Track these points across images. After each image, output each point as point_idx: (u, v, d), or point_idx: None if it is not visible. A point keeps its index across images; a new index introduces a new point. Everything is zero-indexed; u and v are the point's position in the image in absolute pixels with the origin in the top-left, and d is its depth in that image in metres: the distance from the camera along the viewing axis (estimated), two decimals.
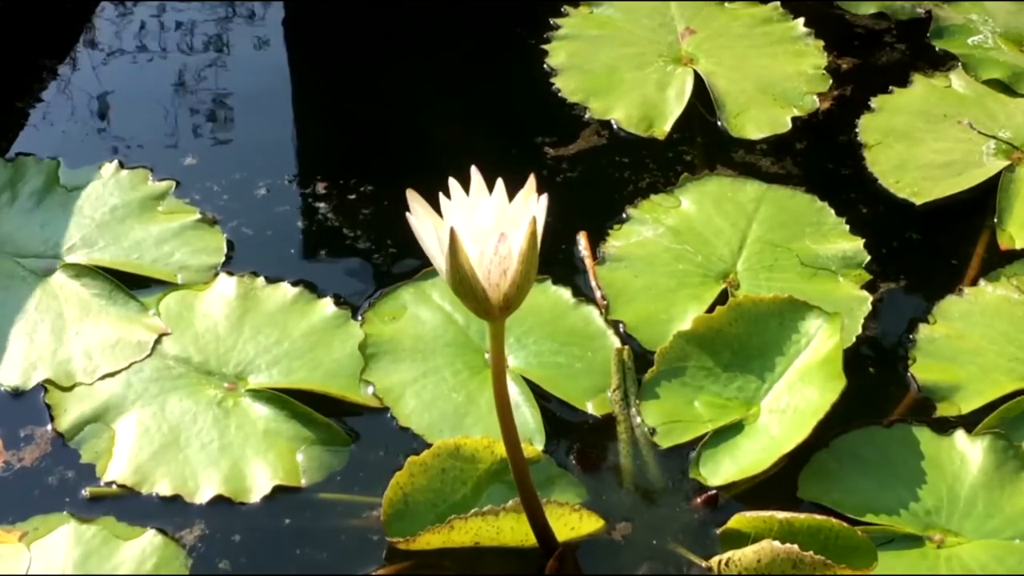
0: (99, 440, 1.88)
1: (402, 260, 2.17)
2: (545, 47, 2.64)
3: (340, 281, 2.14)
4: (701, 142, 2.45)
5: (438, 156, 2.39)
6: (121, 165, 2.29)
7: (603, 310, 2.08)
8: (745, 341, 1.96)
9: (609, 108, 2.50)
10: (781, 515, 1.70)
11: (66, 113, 2.52)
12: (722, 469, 1.86)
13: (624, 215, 2.25)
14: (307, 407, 1.92)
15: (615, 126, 2.46)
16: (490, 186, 1.53)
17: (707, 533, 1.80)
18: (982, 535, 1.78)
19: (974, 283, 2.14)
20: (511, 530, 1.70)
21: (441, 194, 1.52)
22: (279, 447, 1.88)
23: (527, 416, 1.92)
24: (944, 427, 1.91)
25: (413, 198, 1.52)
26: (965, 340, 2.04)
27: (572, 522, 1.74)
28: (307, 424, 1.91)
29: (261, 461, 1.86)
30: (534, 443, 1.88)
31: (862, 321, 2.06)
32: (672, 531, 1.82)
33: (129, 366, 1.97)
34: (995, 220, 2.27)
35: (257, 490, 1.84)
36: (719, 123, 2.47)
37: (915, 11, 2.77)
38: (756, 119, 2.49)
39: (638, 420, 1.93)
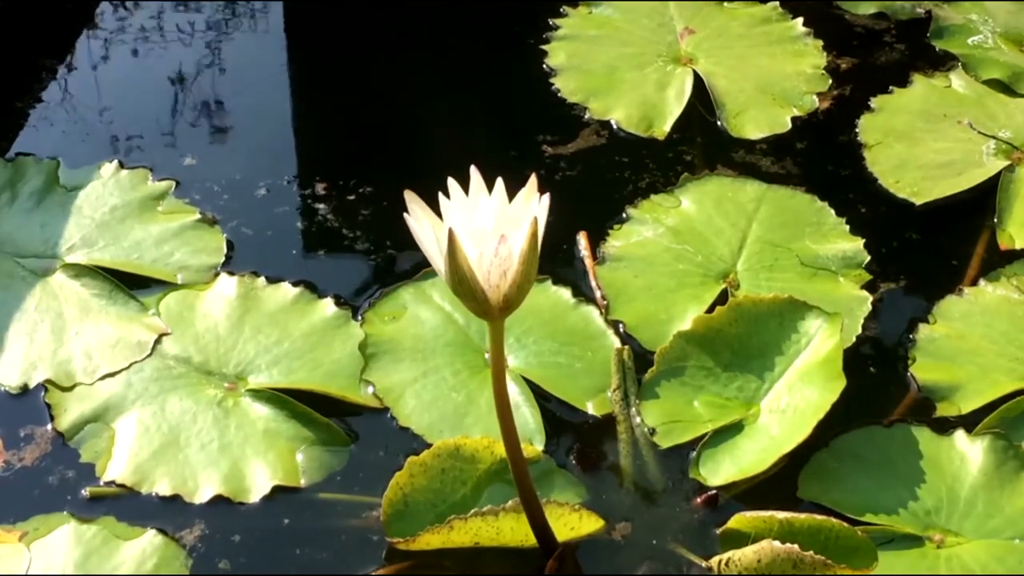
0: (99, 440, 1.88)
1: (402, 260, 2.17)
2: (544, 47, 2.64)
3: (340, 281, 2.14)
4: (701, 142, 2.45)
5: (438, 156, 2.39)
6: (121, 165, 2.29)
7: (603, 310, 2.08)
8: (745, 341, 1.96)
9: (609, 108, 2.50)
10: (781, 515, 1.70)
11: (66, 113, 2.52)
12: (722, 469, 1.86)
13: (624, 215, 2.25)
14: (307, 407, 1.92)
15: (615, 126, 2.46)
16: (490, 186, 1.53)
17: (707, 533, 1.80)
18: (982, 535, 1.78)
19: (974, 283, 2.14)
20: (511, 530, 1.70)
21: (440, 194, 1.52)
22: (279, 447, 1.88)
23: (527, 416, 1.92)
24: (944, 427, 1.91)
25: (411, 199, 1.52)
26: (965, 340, 2.04)
27: (572, 522, 1.74)
28: (307, 424, 1.91)
29: (261, 461, 1.86)
30: (534, 443, 1.88)
31: (862, 321, 2.06)
32: (672, 531, 1.82)
33: (129, 366, 1.97)
34: (995, 220, 2.27)
35: (256, 490, 1.84)
36: (719, 123, 2.47)
37: (915, 11, 2.77)
38: (756, 119, 2.49)
39: (638, 420, 1.93)
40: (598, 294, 2.11)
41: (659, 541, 1.81)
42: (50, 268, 2.09)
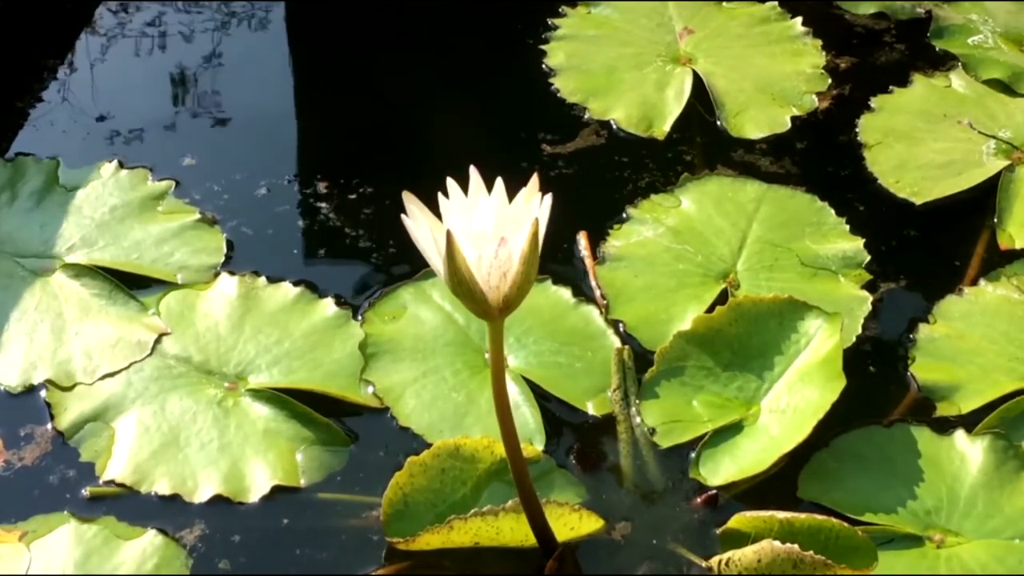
0: (99, 439, 1.88)
1: (402, 260, 2.17)
2: (544, 47, 2.64)
3: (340, 281, 2.14)
4: (700, 142, 2.45)
5: (437, 156, 2.39)
6: (121, 165, 2.29)
7: (603, 310, 2.08)
8: (745, 341, 1.96)
9: (608, 108, 2.50)
10: (781, 515, 1.70)
11: (66, 113, 2.52)
12: (722, 469, 1.86)
13: (624, 215, 2.25)
14: (307, 407, 1.92)
15: (614, 126, 2.46)
16: (489, 187, 1.53)
17: (707, 533, 1.80)
18: (982, 535, 1.78)
19: (974, 283, 2.15)
20: (511, 530, 1.70)
21: (440, 195, 1.52)
22: (279, 447, 1.88)
23: (527, 416, 1.92)
24: (944, 427, 1.91)
25: (409, 200, 1.52)
26: (965, 340, 2.04)
27: (572, 522, 1.73)
28: (307, 424, 1.91)
29: (260, 461, 1.86)
30: (534, 443, 1.88)
31: (862, 321, 2.06)
32: (672, 531, 1.82)
33: (129, 366, 1.97)
34: (995, 220, 2.27)
35: (256, 490, 1.84)
36: (718, 123, 2.47)
37: (915, 11, 2.77)
38: (755, 119, 2.49)
39: (638, 420, 1.92)
40: (598, 294, 2.11)
41: (659, 541, 1.81)
42: (50, 268, 2.09)
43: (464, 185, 1.53)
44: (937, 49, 2.66)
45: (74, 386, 1.94)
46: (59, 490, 1.83)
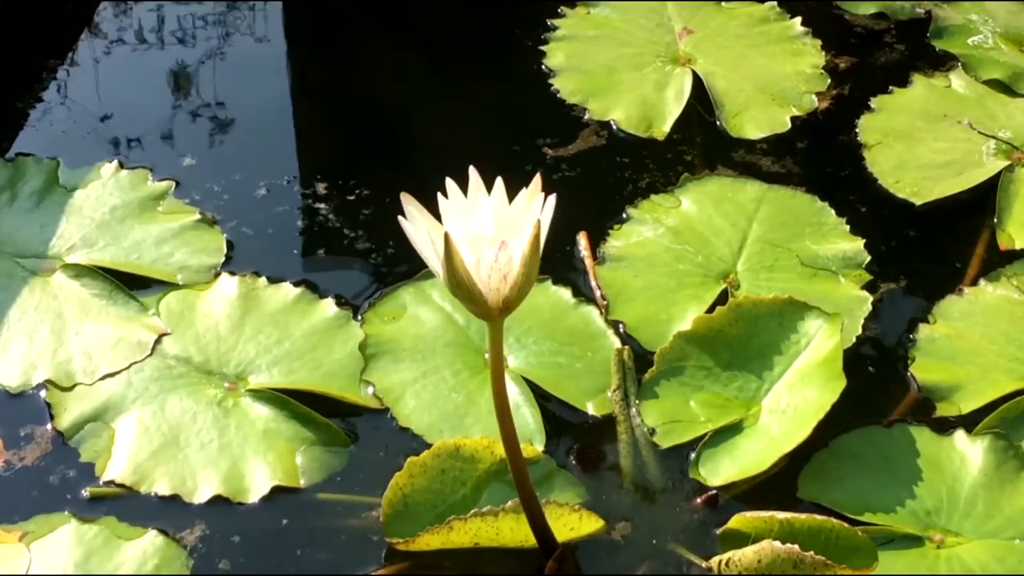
0: (99, 439, 1.88)
1: (402, 260, 2.17)
2: (543, 48, 2.64)
3: (340, 281, 2.14)
4: (700, 142, 2.45)
5: (437, 157, 2.38)
6: (121, 165, 2.29)
7: (603, 310, 2.08)
8: (745, 341, 1.96)
9: (608, 109, 2.50)
10: (782, 515, 1.70)
11: (66, 113, 2.51)
12: (722, 469, 1.86)
13: (624, 215, 2.25)
14: (307, 407, 1.92)
15: (614, 127, 2.46)
16: (489, 187, 1.53)
17: (707, 533, 1.80)
18: (982, 535, 1.78)
19: (974, 283, 2.14)
20: (510, 531, 1.70)
21: (439, 195, 1.52)
22: (278, 447, 1.88)
23: (527, 416, 1.92)
24: (944, 427, 1.91)
25: (407, 201, 1.52)
26: (965, 340, 2.04)
27: (572, 522, 1.73)
28: (307, 424, 1.91)
29: (260, 461, 1.86)
30: (534, 443, 1.88)
31: (862, 321, 2.06)
32: (672, 531, 1.82)
33: (129, 366, 1.97)
34: (995, 220, 2.27)
35: (256, 490, 1.83)
36: (718, 123, 2.47)
37: (915, 11, 2.77)
38: (755, 119, 2.49)
39: (638, 420, 1.93)
40: (598, 294, 2.11)
41: (659, 541, 1.81)
42: (50, 268, 2.09)
43: (464, 186, 1.53)
44: (937, 49, 2.66)
45: (74, 386, 1.94)
46: (59, 490, 1.83)
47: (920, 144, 2.41)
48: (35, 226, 2.17)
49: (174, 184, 2.27)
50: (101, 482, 1.84)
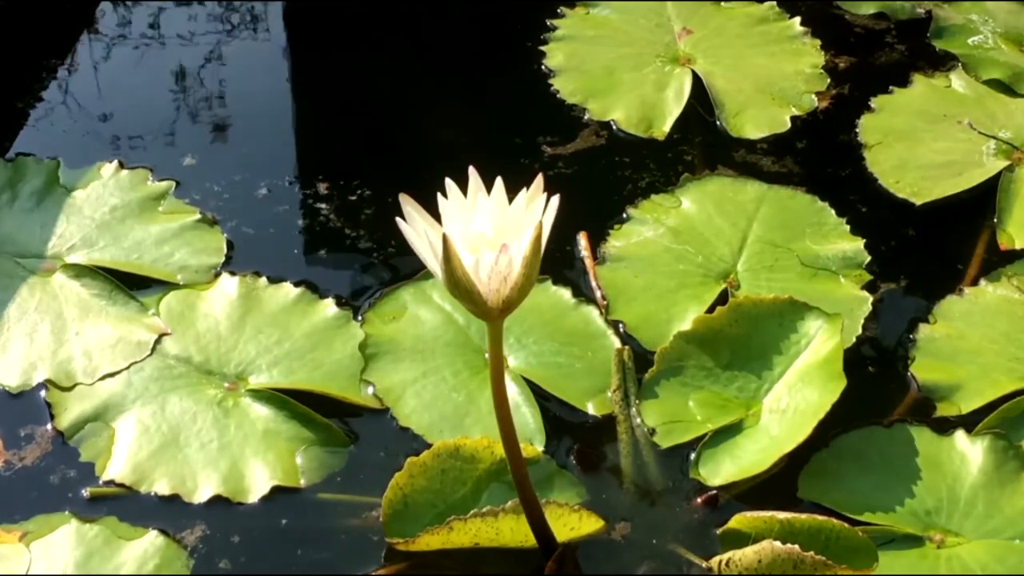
0: (99, 439, 1.88)
1: (402, 260, 2.17)
2: (543, 48, 2.64)
3: (340, 281, 2.14)
4: (700, 142, 2.45)
5: (437, 157, 2.39)
6: (121, 165, 2.29)
7: (603, 310, 2.08)
8: (745, 341, 1.96)
9: (608, 109, 2.50)
10: (782, 515, 1.70)
11: (66, 113, 2.52)
12: (722, 469, 1.86)
13: (624, 215, 2.25)
14: (307, 407, 1.92)
15: (614, 127, 2.46)
16: (489, 188, 1.52)
17: (707, 533, 1.80)
18: (982, 535, 1.78)
19: (974, 283, 2.14)
20: (510, 531, 1.70)
21: (439, 195, 1.52)
22: (278, 447, 1.88)
23: (527, 416, 1.92)
24: (944, 427, 1.90)
25: (406, 202, 1.51)
26: (965, 340, 2.04)
27: (572, 522, 1.73)
28: (307, 424, 1.91)
29: (260, 461, 1.86)
30: (534, 443, 1.88)
31: (862, 321, 2.06)
32: (672, 531, 1.82)
33: (129, 366, 1.97)
34: (995, 220, 2.27)
35: (256, 490, 1.83)
36: (718, 123, 2.47)
37: (915, 11, 2.77)
38: (755, 119, 2.49)
39: (638, 420, 1.92)
40: (598, 294, 2.11)
41: (659, 541, 1.81)
42: (50, 268, 2.09)
43: (464, 186, 1.53)
44: (937, 49, 2.66)
45: (74, 386, 1.94)
46: (60, 490, 1.83)
47: (920, 144, 2.41)
48: (35, 226, 2.17)
49: (174, 184, 2.26)
50: (101, 482, 1.84)
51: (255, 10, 2.86)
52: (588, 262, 2.17)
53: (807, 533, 1.69)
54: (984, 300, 2.11)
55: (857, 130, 2.46)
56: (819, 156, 2.44)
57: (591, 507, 1.76)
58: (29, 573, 1.71)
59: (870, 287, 2.13)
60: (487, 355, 1.95)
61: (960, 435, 1.88)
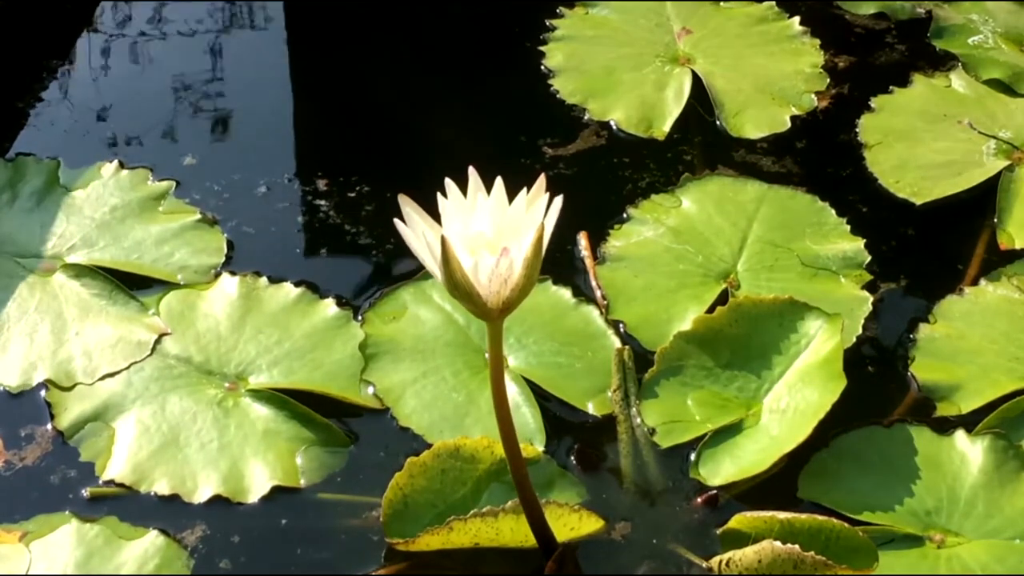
0: (99, 439, 1.88)
1: (403, 259, 2.17)
2: (542, 48, 2.63)
3: (340, 280, 2.14)
4: (700, 142, 2.45)
5: (437, 157, 2.39)
6: (121, 165, 2.29)
7: (603, 310, 2.08)
8: (745, 341, 1.96)
9: (608, 109, 2.50)
10: (782, 515, 1.70)
11: (66, 113, 2.51)
12: (722, 469, 1.86)
13: (624, 215, 2.25)
14: (307, 408, 1.92)
15: (614, 127, 2.46)
16: (489, 188, 1.52)
17: (707, 533, 1.80)
18: (982, 535, 1.78)
19: (974, 283, 2.14)
20: (510, 531, 1.70)
21: (439, 195, 1.52)
22: (278, 447, 1.88)
23: (527, 416, 1.92)
24: (944, 427, 1.90)
25: (405, 203, 1.51)
26: (965, 340, 2.04)
27: (572, 522, 1.73)
28: (307, 424, 1.91)
29: (260, 461, 1.86)
30: (534, 443, 1.88)
31: (862, 321, 2.06)
32: (672, 531, 1.82)
33: (129, 366, 1.97)
34: (995, 220, 2.27)
35: (255, 490, 1.83)
36: (718, 123, 2.47)
37: (915, 11, 2.77)
38: (755, 118, 2.49)
39: (638, 420, 1.92)
40: (598, 294, 2.11)
41: (659, 541, 1.81)
42: (50, 268, 2.09)
43: (463, 186, 1.52)
44: (937, 49, 2.66)
45: (74, 386, 1.94)
46: (60, 490, 1.83)
47: (920, 144, 2.41)
48: (35, 226, 2.16)
49: (174, 184, 2.26)
50: (101, 482, 1.84)
51: (255, 9, 2.86)
52: (588, 262, 2.17)
53: (807, 533, 1.69)
54: (984, 300, 2.11)
55: (857, 130, 2.46)
56: (819, 156, 2.44)
57: (591, 507, 1.76)
58: (29, 573, 1.71)
59: (870, 287, 2.13)
60: (487, 355, 1.95)
61: (960, 435, 1.88)
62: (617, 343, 2.02)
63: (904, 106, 2.51)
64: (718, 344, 1.97)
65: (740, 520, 1.74)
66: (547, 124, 2.48)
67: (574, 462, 1.90)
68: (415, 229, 1.51)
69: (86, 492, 1.82)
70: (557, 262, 2.15)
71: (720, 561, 1.71)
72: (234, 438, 1.89)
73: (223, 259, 2.14)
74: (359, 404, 1.95)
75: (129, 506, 1.80)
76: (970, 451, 1.86)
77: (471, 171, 1.52)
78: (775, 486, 1.84)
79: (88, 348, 1.99)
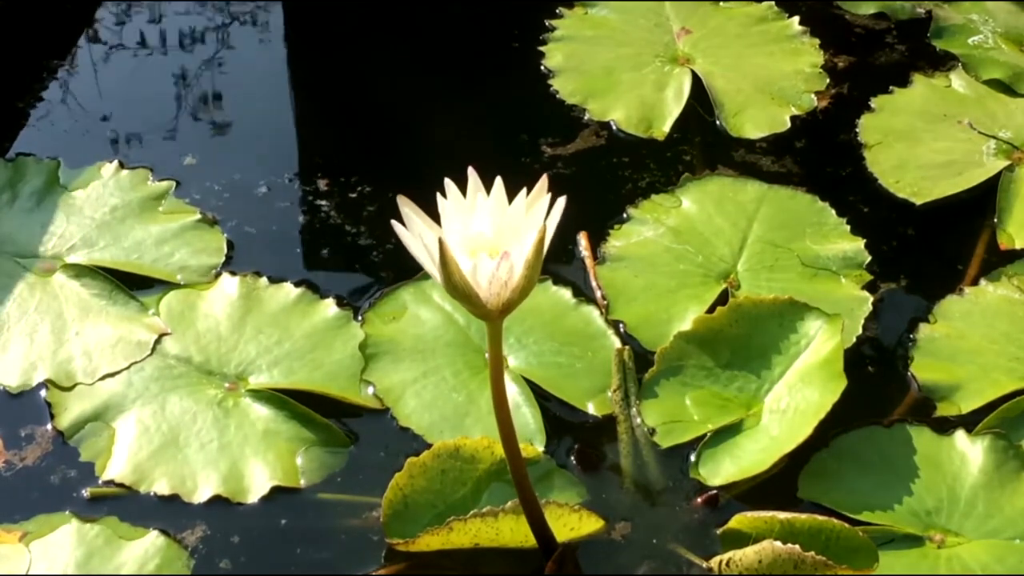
0: (99, 439, 1.88)
1: (403, 259, 2.16)
2: (542, 48, 2.63)
3: (340, 280, 2.14)
4: (700, 142, 2.45)
5: (436, 157, 2.39)
6: (121, 165, 2.29)
7: (603, 310, 2.08)
8: (745, 341, 1.96)
9: (607, 109, 2.50)
10: (782, 515, 1.70)
11: (66, 113, 2.51)
12: (722, 469, 1.86)
13: (624, 215, 2.25)
14: (307, 408, 1.92)
15: (614, 127, 2.46)
16: (488, 188, 1.52)
17: (707, 533, 1.80)
18: (982, 535, 1.78)
19: (974, 283, 2.15)
20: (510, 531, 1.70)
21: (438, 195, 1.52)
22: (278, 448, 1.88)
23: (527, 416, 1.92)
24: (944, 427, 1.90)
25: (404, 203, 1.51)
26: (965, 340, 2.04)
27: (572, 522, 1.73)
28: (307, 425, 1.91)
29: (260, 461, 1.86)
30: (534, 443, 1.88)
31: (862, 321, 2.06)
32: (672, 531, 1.82)
33: (129, 366, 1.97)
34: (995, 220, 2.27)
35: (255, 490, 1.83)
36: (718, 122, 2.47)
37: (915, 11, 2.77)
38: (755, 118, 2.49)
39: (638, 420, 1.92)
40: (598, 294, 2.11)
41: (659, 541, 1.81)
42: (50, 268, 2.09)
43: (463, 186, 1.52)
44: (937, 49, 2.66)
45: (74, 386, 1.94)
46: (60, 490, 1.83)
47: (920, 144, 2.41)
48: (35, 226, 2.16)
49: (174, 184, 2.26)
50: (101, 482, 1.83)
51: (255, 9, 2.86)
52: (588, 262, 2.17)
53: (807, 533, 1.69)
54: (984, 300, 2.11)
55: (857, 130, 2.46)
56: (819, 156, 2.44)
57: (591, 507, 1.76)
58: (29, 573, 1.71)
59: (870, 287, 2.13)
60: (487, 355, 1.95)
61: (960, 435, 1.88)
62: (617, 343, 2.02)
63: (904, 106, 2.51)
64: (718, 344, 1.97)
65: (740, 520, 1.74)
66: (547, 124, 2.48)
67: (574, 462, 1.90)
68: (413, 231, 1.50)
69: (86, 492, 1.83)
70: (557, 262, 2.15)
71: (720, 561, 1.71)
72: (234, 438, 1.89)
73: (223, 259, 2.14)
74: (359, 404, 1.95)
75: (129, 506, 1.80)
76: (970, 451, 1.86)
77: (470, 171, 1.52)
78: (775, 486, 1.84)
79: (88, 348, 1.99)
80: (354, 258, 2.21)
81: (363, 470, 1.87)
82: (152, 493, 1.82)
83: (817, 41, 2.66)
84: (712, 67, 2.58)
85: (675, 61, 2.60)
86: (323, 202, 2.30)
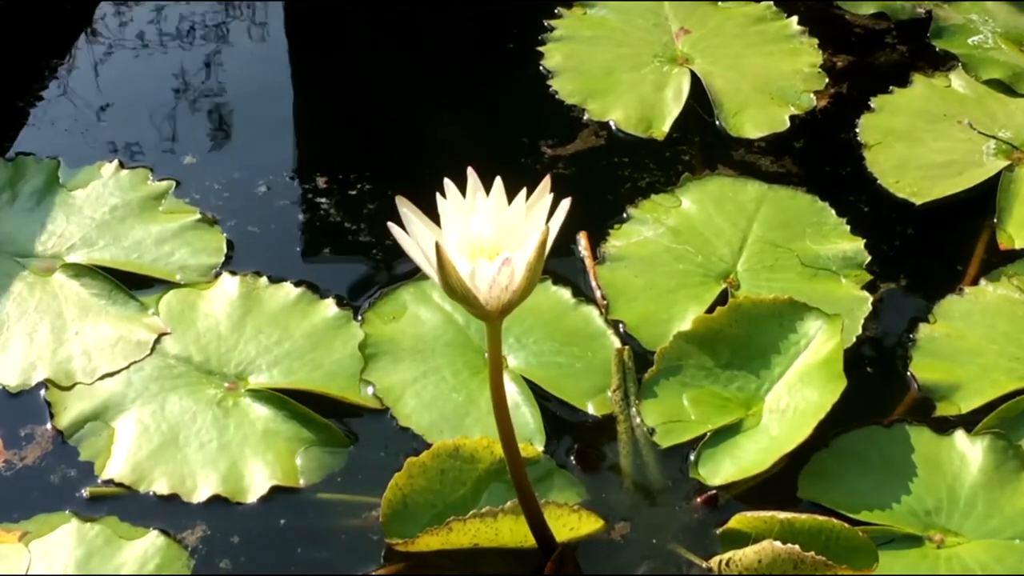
0: (98, 438, 1.88)
1: (402, 259, 2.17)
2: (541, 49, 2.63)
3: (340, 280, 2.14)
4: (700, 142, 2.45)
5: (436, 157, 2.39)
6: (121, 165, 2.28)
7: (603, 310, 2.08)
8: (745, 341, 1.96)
9: (607, 109, 2.49)
10: (782, 515, 1.70)
11: (66, 113, 2.51)
12: (722, 469, 1.86)
13: (624, 215, 2.25)
14: (307, 408, 1.92)
15: (613, 127, 2.46)
16: (487, 188, 1.52)
17: (707, 533, 1.80)
18: (982, 535, 1.78)
19: (974, 283, 2.15)
20: (510, 531, 1.70)
21: (438, 195, 1.52)
22: (278, 447, 1.88)
23: (527, 416, 1.92)
24: (944, 427, 1.90)
25: (403, 204, 1.51)
26: (965, 340, 2.04)
27: (571, 522, 1.73)
28: (306, 424, 1.91)
29: (259, 461, 1.86)
30: (534, 443, 1.88)
31: (862, 321, 2.06)
32: (672, 531, 1.82)
33: (129, 366, 1.97)
34: (995, 220, 2.27)
35: (255, 490, 1.83)
36: (717, 122, 2.47)
37: (915, 11, 2.77)
38: (754, 118, 2.49)
39: (638, 420, 1.92)
40: (598, 294, 2.11)
41: (659, 541, 1.81)
42: (50, 267, 2.09)
43: (463, 186, 1.52)
44: (937, 49, 2.66)
45: (74, 386, 1.94)
46: (60, 490, 1.83)
47: (920, 144, 2.41)
48: (35, 225, 2.16)
49: (174, 183, 2.26)
50: (100, 481, 1.83)
51: (255, 9, 2.86)
52: (588, 262, 2.17)
53: (807, 533, 1.69)
54: (984, 300, 2.11)
55: (857, 130, 2.46)
56: (819, 156, 2.44)
57: (591, 507, 1.76)
58: (29, 573, 1.70)
59: (870, 287, 2.13)
60: (487, 355, 1.95)
61: (960, 435, 1.88)
62: (617, 343, 2.02)
63: (904, 106, 2.51)
64: (718, 344, 1.97)
65: (740, 520, 1.74)
66: (546, 124, 2.48)
67: (574, 462, 1.90)
68: (411, 232, 1.50)
69: (86, 492, 1.82)
70: (557, 262, 2.15)
71: (720, 561, 1.71)
72: (234, 438, 1.89)
73: (223, 259, 2.14)
74: (359, 404, 1.95)
75: (129, 506, 1.80)
76: (970, 451, 1.86)
77: (470, 171, 1.52)
78: (775, 486, 1.84)
79: (88, 348, 1.99)
80: (354, 258, 2.21)
81: (363, 470, 1.87)
82: (152, 493, 1.82)
83: (816, 41, 2.66)
84: (711, 67, 2.58)
85: (674, 61, 2.60)
86: (323, 202, 2.30)
